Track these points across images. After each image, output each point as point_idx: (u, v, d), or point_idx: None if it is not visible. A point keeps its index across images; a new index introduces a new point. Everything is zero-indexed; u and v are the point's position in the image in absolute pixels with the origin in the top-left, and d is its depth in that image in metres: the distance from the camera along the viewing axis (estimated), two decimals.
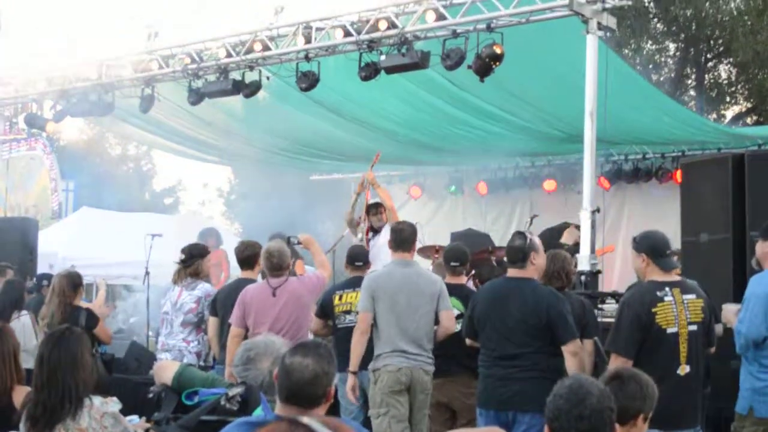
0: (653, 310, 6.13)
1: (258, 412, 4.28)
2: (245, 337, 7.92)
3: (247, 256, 8.92)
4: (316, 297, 9.10)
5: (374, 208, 11.45)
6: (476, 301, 7.18)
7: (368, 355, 8.80)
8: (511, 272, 7.08)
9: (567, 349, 6.75)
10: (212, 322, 8.98)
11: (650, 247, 6.39)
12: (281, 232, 11.05)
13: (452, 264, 8.64)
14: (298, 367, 3.89)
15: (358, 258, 9.30)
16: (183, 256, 9.42)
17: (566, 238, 11.09)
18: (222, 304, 8.82)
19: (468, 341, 7.33)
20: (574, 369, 6.66)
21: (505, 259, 7.45)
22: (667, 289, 6.21)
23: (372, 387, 7.93)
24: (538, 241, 7.15)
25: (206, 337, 9.22)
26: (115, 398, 5.42)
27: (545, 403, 6.37)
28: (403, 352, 7.75)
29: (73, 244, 17.91)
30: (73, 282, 9.60)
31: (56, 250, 16.87)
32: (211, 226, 12.68)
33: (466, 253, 8.98)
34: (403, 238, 8.04)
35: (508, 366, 6.81)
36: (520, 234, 7.33)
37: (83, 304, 10.00)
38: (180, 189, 48.88)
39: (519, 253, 7.03)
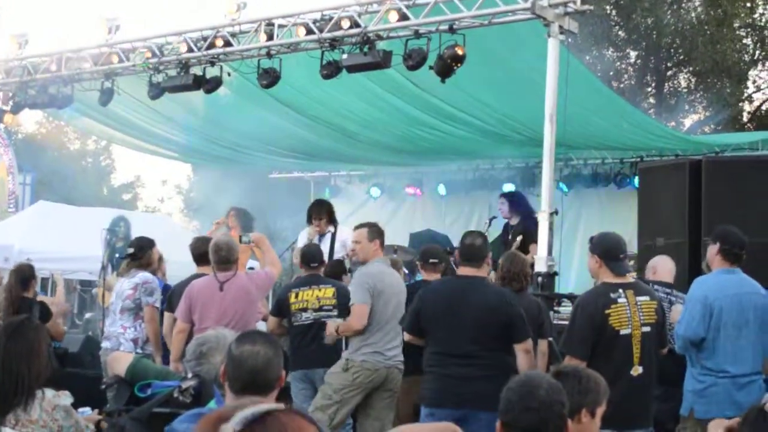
0: (606, 311, 6.18)
1: (212, 405, 4.26)
2: (191, 332, 7.92)
3: (203, 252, 8.87)
4: (265, 293, 9.14)
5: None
6: (425, 299, 7.10)
7: (318, 355, 8.88)
8: (465, 270, 7.07)
9: (520, 347, 6.80)
10: (167, 318, 8.92)
11: (604, 249, 6.46)
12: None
13: (431, 261, 8.74)
14: (250, 354, 3.89)
15: (313, 258, 9.33)
16: (132, 250, 9.42)
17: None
18: (178, 299, 8.78)
19: (408, 337, 7.34)
20: (526, 367, 6.72)
21: (458, 255, 7.48)
22: (620, 290, 6.27)
23: (340, 371, 8.04)
24: None
25: (142, 325, 9.19)
26: (67, 392, 5.38)
27: (497, 401, 6.44)
28: (382, 352, 7.98)
29: (29, 237, 17.75)
30: (23, 275, 9.53)
31: (12, 243, 16.72)
32: (240, 207, 11.86)
33: (444, 252, 9.16)
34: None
35: (466, 365, 6.79)
36: (479, 234, 7.41)
37: (40, 297, 9.94)
38: (138, 185, 48.66)
39: (480, 252, 7.08)
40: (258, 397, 3.64)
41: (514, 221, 11.79)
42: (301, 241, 11.08)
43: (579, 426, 4.06)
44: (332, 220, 11.26)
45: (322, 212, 11.21)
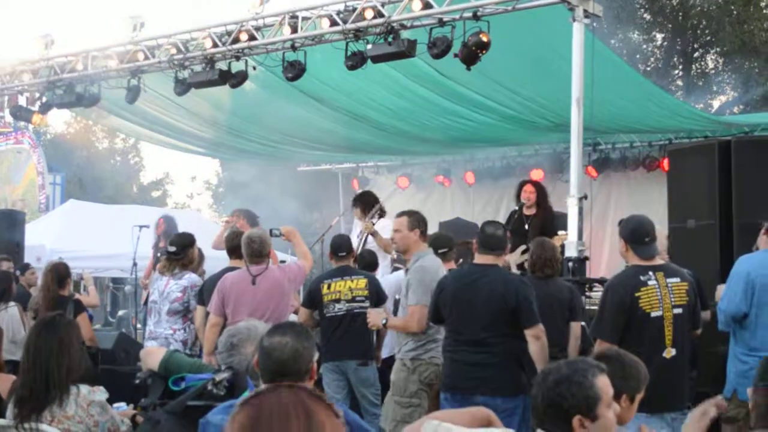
0: (636, 294, 6.16)
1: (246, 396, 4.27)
2: (224, 326, 7.84)
3: (236, 245, 8.88)
4: (297, 286, 9.11)
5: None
6: (443, 287, 7.15)
7: (350, 346, 8.86)
8: (483, 259, 7.12)
9: (530, 333, 6.81)
10: (199, 311, 8.94)
11: (629, 232, 6.45)
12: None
13: (440, 251, 8.62)
14: (278, 346, 3.95)
15: (341, 248, 9.29)
16: (174, 248, 9.40)
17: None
18: (210, 294, 8.80)
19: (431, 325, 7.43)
20: (539, 353, 6.75)
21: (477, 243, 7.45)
22: (650, 273, 6.24)
23: (408, 374, 7.74)
24: None
25: (193, 326, 9.21)
26: (102, 387, 5.43)
27: (514, 387, 6.44)
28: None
29: (60, 236, 17.90)
30: (59, 274, 9.62)
31: (44, 243, 16.86)
32: (245, 208, 12.02)
33: (451, 239, 9.11)
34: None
35: (476, 351, 6.85)
36: (500, 224, 7.51)
37: (78, 295, 10.03)
38: (167, 182, 48.94)
39: (501, 242, 7.16)
40: None
41: (531, 211, 11.70)
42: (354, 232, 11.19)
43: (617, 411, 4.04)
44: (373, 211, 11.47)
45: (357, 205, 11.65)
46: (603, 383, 3.58)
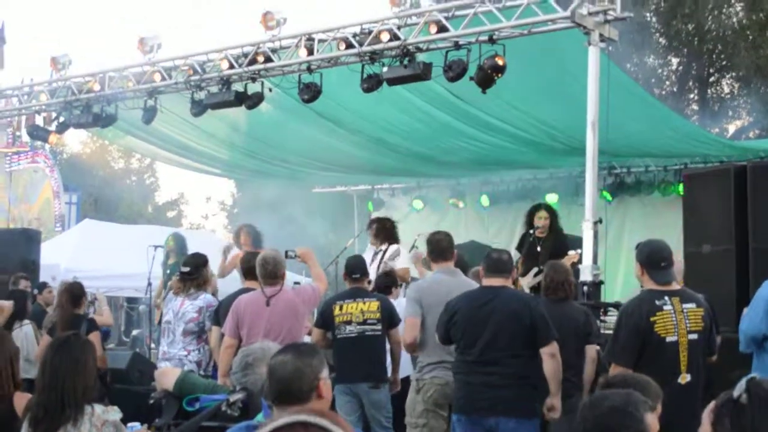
0: (652, 318, 6.14)
1: (260, 418, 4.28)
2: (239, 347, 7.86)
3: (252, 266, 8.89)
4: (311, 308, 9.11)
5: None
6: (455, 309, 7.19)
7: (362, 369, 8.86)
8: (491, 281, 7.19)
9: (545, 351, 6.85)
10: (215, 332, 8.94)
11: (646, 257, 6.44)
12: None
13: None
14: (279, 365, 3.95)
15: (355, 270, 9.27)
16: (188, 269, 9.41)
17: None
18: (225, 314, 8.80)
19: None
20: (552, 371, 6.76)
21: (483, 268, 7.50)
22: (666, 298, 6.23)
23: (413, 395, 7.91)
24: None
25: (207, 347, 9.20)
26: (116, 407, 5.44)
27: (527, 410, 6.46)
28: (449, 364, 7.70)
29: (75, 256, 17.96)
30: (74, 294, 9.64)
31: (59, 262, 16.93)
32: (249, 223, 12.19)
33: (466, 262, 9.16)
34: (442, 248, 8.15)
35: (488, 373, 6.88)
36: (504, 250, 7.72)
37: (92, 315, 10.05)
38: (182, 202, 49.11)
39: (506, 265, 7.27)
40: (296, 407, 3.65)
41: (542, 234, 11.70)
42: (366, 255, 11.24)
43: None
44: (388, 238, 11.51)
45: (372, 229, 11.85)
46: (652, 420, 3.55)
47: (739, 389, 3.18)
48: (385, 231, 11.76)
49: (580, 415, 3.64)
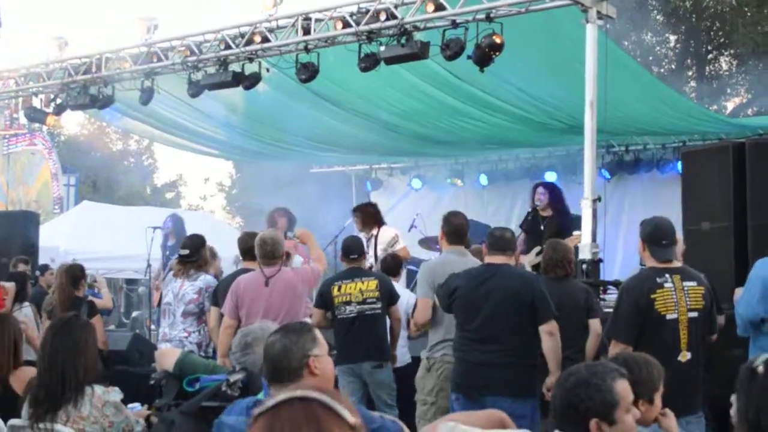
0: (652, 296, 6.14)
1: (260, 397, 4.29)
2: (238, 328, 7.87)
3: (250, 247, 8.88)
4: (311, 289, 9.11)
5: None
6: (455, 286, 7.21)
7: (363, 349, 8.86)
8: (494, 258, 7.21)
9: (544, 329, 6.87)
10: (213, 312, 8.92)
11: (648, 234, 6.44)
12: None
13: None
14: (269, 344, 4.04)
15: (353, 250, 9.28)
16: (187, 251, 9.39)
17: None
18: (223, 295, 8.79)
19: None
20: (551, 349, 6.78)
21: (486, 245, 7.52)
22: (667, 275, 6.22)
23: (424, 372, 7.92)
24: None
25: (207, 328, 9.20)
26: (116, 388, 5.44)
27: (525, 388, 6.46)
28: None
29: (74, 237, 17.98)
30: (74, 275, 9.64)
31: (57, 244, 16.94)
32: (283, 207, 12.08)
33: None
34: (463, 233, 8.11)
35: (487, 351, 6.90)
36: (506, 228, 7.69)
37: (91, 298, 10.06)
38: (181, 183, 49.08)
39: (509, 243, 7.30)
40: (292, 384, 3.66)
41: (547, 213, 11.70)
42: None
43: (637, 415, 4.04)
44: (375, 222, 11.53)
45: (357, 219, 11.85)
46: (622, 388, 3.57)
47: (760, 361, 3.29)
48: (370, 216, 11.82)
49: (552, 393, 3.68)
